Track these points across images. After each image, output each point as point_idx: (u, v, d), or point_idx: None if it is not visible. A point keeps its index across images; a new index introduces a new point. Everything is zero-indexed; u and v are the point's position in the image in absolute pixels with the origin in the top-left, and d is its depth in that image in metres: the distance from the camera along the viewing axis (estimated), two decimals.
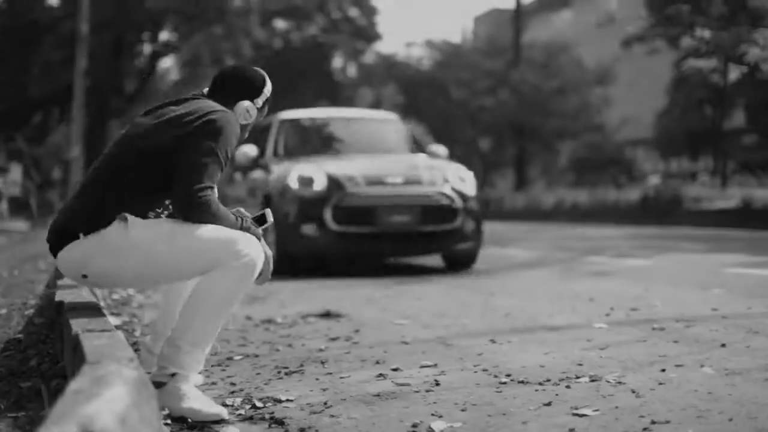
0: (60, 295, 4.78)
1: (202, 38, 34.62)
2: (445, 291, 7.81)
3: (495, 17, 61.82)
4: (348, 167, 9.88)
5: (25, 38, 32.36)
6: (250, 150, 10.73)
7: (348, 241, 9.52)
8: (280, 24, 55.91)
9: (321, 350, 4.95)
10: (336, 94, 52.98)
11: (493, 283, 8.41)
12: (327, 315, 6.27)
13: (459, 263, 10.25)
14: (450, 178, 9.89)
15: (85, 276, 3.59)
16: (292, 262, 9.68)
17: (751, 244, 12.62)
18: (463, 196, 9.84)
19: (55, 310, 4.65)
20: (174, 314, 3.83)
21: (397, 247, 9.89)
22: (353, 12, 57.35)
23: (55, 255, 3.66)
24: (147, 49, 36.70)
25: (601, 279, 8.38)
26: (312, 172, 9.67)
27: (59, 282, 5.68)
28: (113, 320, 5.46)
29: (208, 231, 3.49)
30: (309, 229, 9.47)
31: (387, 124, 12.16)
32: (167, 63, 39.47)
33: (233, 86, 3.85)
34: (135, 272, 3.57)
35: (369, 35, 57.03)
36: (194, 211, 3.48)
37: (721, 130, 32.89)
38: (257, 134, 11.56)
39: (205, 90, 3.89)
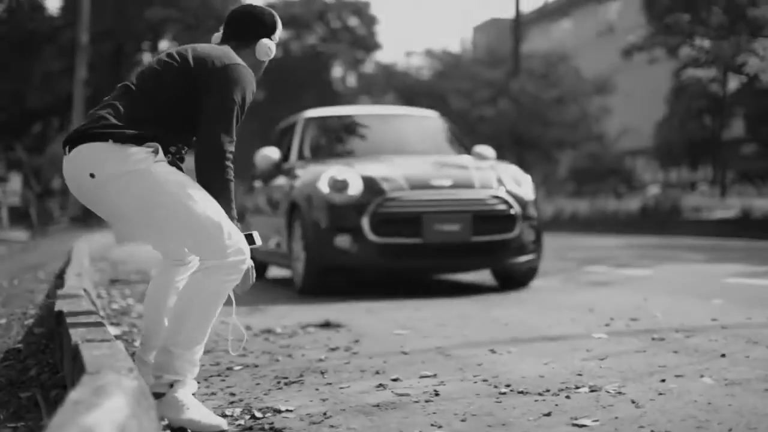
0: (60, 305, 4.78)
1: None
2: (445, 301, 7.81)
3: (494, 27, 61.91)
4: (387, 169, 8.57)
5: (26, 48, 32.42)
6: (271, 153, 9.72)
7: (389, 255, 8.20)
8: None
9: (321, 360, 4.95)
10: (336, 103, 53.01)
11: (493, 293, 8.41)
12: (327, 325, 6.27)
13: (514, 280, 8.84)
14: (505, 180, 8.59)
15: (92, 175, 3.48)
16: (324, 279, 8.52)
17: (751, 254, 12.62)
18: (521, 201, 8.50)
19: (55, 320, 4.65)
20: (158, 321, 3.82)
21: (446, 262, 8.60)
22: (353, 21, 57.55)
23: (69, 151, 3.58)
24: (147, 58, 36.74)
25: (601, 289, 8.38)
26: (346, 175, 8.38)
27: (59, 292, 5.68)
28: (113, 330, 5.45)
29: (215, 209, 3.50)
30: (343, 240, 8.20)
31: (426, 121, 10.75)
32: None
33: (250, 26, 3.92)
34: (135, 200, 3.49)
35: (369, 45, 57.20)
36: (212, 160, 3.53)
37: (721, 140, 32.94)
38: (279, 136, 10.83)
39: (218, 34, 3.96)
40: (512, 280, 8.84)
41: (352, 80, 57.97)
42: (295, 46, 55.24)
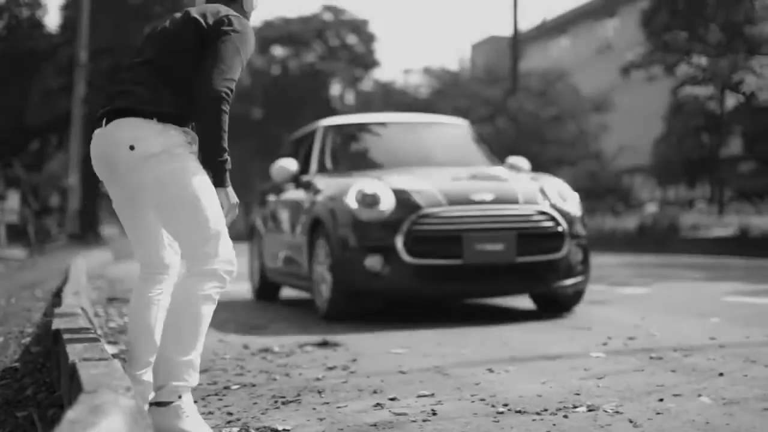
0: (57, 324, 4.78)
1: None
2: (442, 319, 7.80)
3: (493, 45, 61.98)
4: (421, 182, 7.82)
5: (24, 65, 32.48)
6: (288, 165, 9.03)
7: (426, 278, 7.42)
8: (278, 51, 56.14)
9: (318, 379, 4.95)
10: None
11: (491, 311, 8.40)
12: (324, 344, 6.26)
13: (558, 305, 8.07)
14: (549, 194, 7.84)
15: (132, 147, 3.59)
16: (353, 303, 7.79)
17: (749, 272, 12.62)
18: (568, 218, 7.73)
19: (52, 338, 4.65)
20: (146, 337, 3.87)
21: (488, 286, 7.75)
22: (351, 39, 57.61)
23: (106, 123, 3.72)
24: None
25: (599, 307, 8.37)
26: (376, 189, 7.63)
27: (56, 310, 5.68)
28: (110, 349, 5.44)
29: (221, 219, 3.63)
30: (374, 261, 7.43)
31: (455, 129, 9.89)
32: None
33: None
34: (162, 181, 3.58)
35: (367, 62, 57.25)
36: (212, 97, 3.57)
37: (718, 158, 32.98)
38: (294, 146, 10.17)
39: None
40: (555, 304, 8.07)
41: (350, 98, 58.00)
42: (294, 64, 55.30)
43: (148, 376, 3.82)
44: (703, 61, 23.78)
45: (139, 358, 3.85)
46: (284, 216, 9.30)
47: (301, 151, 9.72)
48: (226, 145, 3.62)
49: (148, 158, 3.58)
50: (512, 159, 9.22)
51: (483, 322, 7.49)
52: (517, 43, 36.50)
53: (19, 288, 10.31)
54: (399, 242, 7.39)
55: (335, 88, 58.17)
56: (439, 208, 7.45)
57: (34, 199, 31.89)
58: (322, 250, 7.91)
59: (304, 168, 9.22)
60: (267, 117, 51.50)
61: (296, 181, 9.07)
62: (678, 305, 8.34)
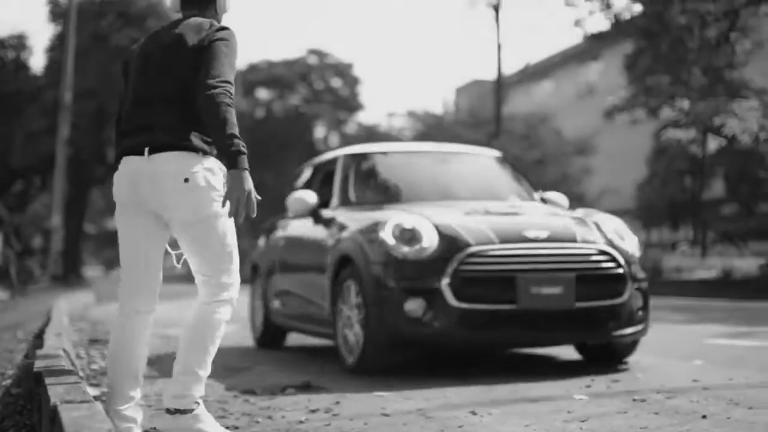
0: (38, 365, 4.75)
1: None
2: (426, 361, 7.78)
3: (476, 88, 62.32)
4: (466, 217, 7.01)
5: (9, 107, 32.50)
6: (307, 197, 8.11)
7: (474, 325, 6.50)
8: (262, 94, 56.29)
9: (301, 422, 4.93)
10: None
11: (475, 353, 8.38)
12: (307, 387, 6.23)
13: (612, 355, 7.25)
14: (607, 232, 7.05)
15: (186, 180, 3.91)
16: (389, 354, 6.86)
17: (732, 314, 12.64)
18: (628, 259, 6.91)
19: (34, 380, 4.62)
20: (129, 370, 4.08)
21: (544, 333, 6.77)
22: (336, 82, 57.82)
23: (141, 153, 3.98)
24: None
25: (582, 349, 8.36)
26: (416, 223, 6.76)
27: (38, 352, 5.65)
28: (92, 391, 5.41)
29: (236, 252, 4.10)
30: (416, 305, 6.50)
31: (488, 161, 9.01)
32: None
33: None
34: (202, 210, 3.95)
35: (351, 105, 57.45)
36: (215, 99, 3.82)
37: (701, 200, 33.13)
38: (309, 177, 9.30)
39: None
40: (608, 355, 7.27)
41: (334, 140, 58.14)
42: (278, 107, 55.45)
43: (131, 411, 4.00)
44: (685, 104, 23.97)
45: (123, 393, 4.03)
46: (298, 253, 8.53)
47: (315, 181, 9.01)
48: (236, 132, 3.82)
49: (196, 191, 3.92)
50: (549, 194, 8.61)
51: (465, 363, 7.47)
52: (501, 86, 36.70)
53: (0, 329, 10.25)
54: (444, 284, 6.46)
55: (319, 131, 58.29)
56: (490, 246, 6.56)
57: (16, 240, 31.77)
58: (350, 293, 7.02)
59: (324, 201, 8.30)
60: (251, 159, 51.31)
61: (315, 215, 8.16)
62: (661, 347, 8.34)
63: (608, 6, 21.77)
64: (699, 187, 32.39)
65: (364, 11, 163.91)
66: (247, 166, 3.83)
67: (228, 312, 4.10)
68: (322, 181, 8.88)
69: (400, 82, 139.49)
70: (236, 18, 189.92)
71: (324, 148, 55.18)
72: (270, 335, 9.45)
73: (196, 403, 4.01)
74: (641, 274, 7.05)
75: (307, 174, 9.48)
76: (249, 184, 3.82)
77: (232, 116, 3.82)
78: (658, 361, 7.26)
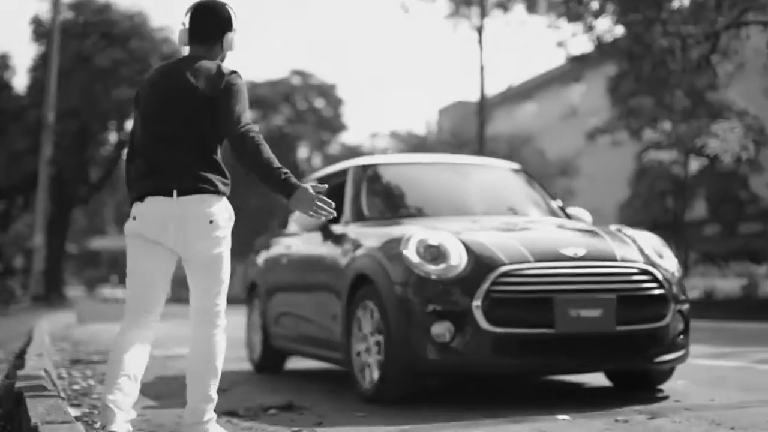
0: (19, 386, 4.73)
1: None
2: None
3: (459, 109, 62.46)
4: (496, 232, 6.50)
5: None
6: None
7: (508, 351, 5.88)
8: (246, 115, 56.24)
9: None
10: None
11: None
12: (289, 407, 6.21)
13: (648, 382, 6.79)
14: (646, 250, 6.50)
15: (211, 222, 4.33)
16: (413, 382, 6.28)
17: (714, 335, 12.67)
18: (669, 279, 6.34)
19: (15, 400, 4.60)
20: (129, 366, 4.33)
21: (583, 360, 6.13)
22: (319, 103, 57.95)
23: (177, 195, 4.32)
24: (113, 137, 36.78)
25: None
26: (441, 239, 6.18)
27: (19, 372, 5.62)
28: (73, 411, 5.38)
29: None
30: (443, 329, 5.89)
31: (509, 174, 8.41)
32: None
33: (215, 24, 4.52)
34: (216, 247, 4.39)
35: (334, 126, 57.57)
36: (249, 143, 4.23)
37: (683, 221, 33.26)
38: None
39: (183, 33, 4.55)
40: (644, 382, 6.79)
41: (317, 161, 58.20)
42: (261, 127, 55.48)
43: (119, 401, 4.23)
44: (667, 126, 24.09)
45: (123, 387, 4.29)
46: (304, 272, 7.94)
47: (331, 195, 8.03)
48: (276, 161, 4.25)
49: (216, 231, 4.35)
50: (572, 209, 8.04)
51: (449, 384, 7.46)
52: (484, 107, 36.82)
53: None
54: (475, 306, 5.85)
55: (303, 151, 58.38)
56: (525, 265, 5.97)
57: None
58: (367, 315, 6.46)
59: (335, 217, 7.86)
60: (234, 180, 51.47)
61: (324, 230, 7.56)
62: None
63: (591, 28, 21.87)
64: (681, 208, 32.55)
65: (348, 32, 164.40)
66: (299, 184, 4.22)
67: (222, 332, 4.49)
68: (327, 195, 8.16)
69: (383, 103, 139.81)
70: None
71: (307, 169, 55.25)
72: (270, 359, 8.99)
73: (212, 421, 4.49)
74: (683, 296, 6.46)
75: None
76: (310, 194, 4.20)
77: (267, 147, 4.24)
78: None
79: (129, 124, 35.63)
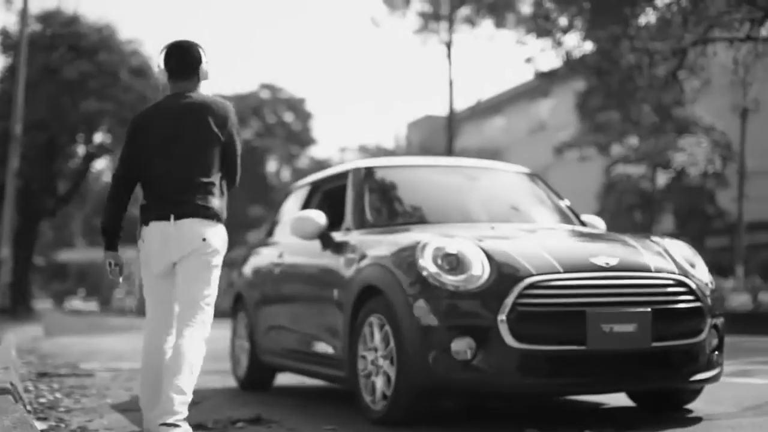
0: None
1: None
2: None
3: (428, 124, 62.58)
4: (519, 240, 6.02)
5: None
6: (316, 217, 6.96)
7: (537, 369, 5.36)
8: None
9: None
10: (270, 198, 53.12)
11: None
12: (258, 420, 6.19)
13: (675, 403, 6.35)
14: (678, 260, 6.01)
15: (204, 239, 4.98)
16: (427, 403, 5.79)
17: None
18: (703, 291, 5.87)
19: None
20: (157, 374, 5.02)
21: (616, 379, 5.59)
22: (288, 117, 57.94)
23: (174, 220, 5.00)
24: (81, 150, 36.59)
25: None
26: (461, 247, 5.64)
27: None
28: (39, 425, 5.36)
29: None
30: (464, 345, 5.37)
31: (522, 179, 7.97)
32: (101, 164, 39.31)
33: (192, 59, 5.17)
34: (209, 269, 5.05)
35: (303, 140, 57.59)
36: (235, 187, 5.35)
37: (651, 235, 33.46)
38: (307, 195, 8.22)
39: (164, 79, 5.24)
40: (671, 402, 6.33)
41: (286, 174, 58.19)
42: None
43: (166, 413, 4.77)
44: (635, 141, 24.25)
45: (154, 400, 5.00)
46: (300, 283, 7.44)
47: (314, 202, 8.01)
48: None
49: (212, 251, 5.01)
50: (586, 217, 7.68)
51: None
52: (453, 122, 36.94)
53: None
54: (500, 320, 5.32)
55: (271, 165, 58.34)
56: (554, 276, 5.45)
57: None
58: (375, 330, 5.96)
59: (334, 223, 7.18)
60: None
61: (324, 238, 7.02)
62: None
63: (559, 44, 22.03)
64: (649, 222, 32.73)
65: (318, 46, 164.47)
66: None
67: (204, 344, 4.95)
68: (322, 201, 7.93)
69: (352, 117, 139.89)
70: None
71: (276, 183, 55.20)
72: (257, 375, 8.47)
73: (184, 421, 4.74)
74: (717, 309, 6.00)
75: (301, 194, 8.38)
76: None
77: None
78: (612, 396, 7.25)
79: (97, 137, 35.49)
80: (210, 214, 5.00)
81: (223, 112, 5.08)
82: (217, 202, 5.05)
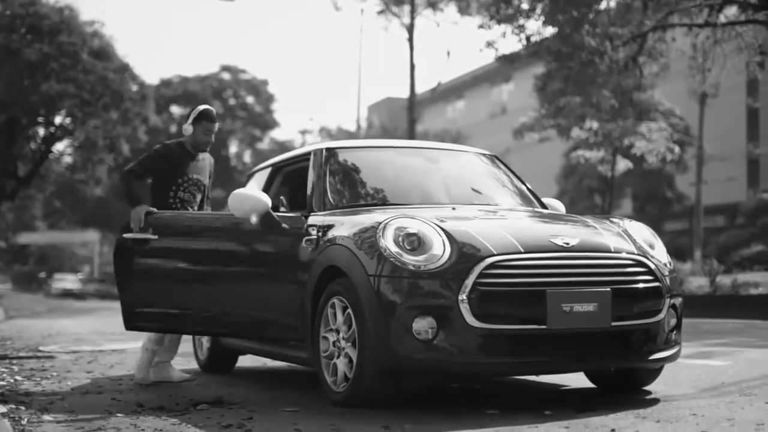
0: None
1: (98, 123, 34.30)
2: None
3: (389, 106, 62.63)
4: (479, 221, 6.07)
5: None
6: (259, 196, 6.62)
7: (497, 349, 5.39)
8: (176, 110, 55.95)
9: None
10: (232, 180, 52.97)
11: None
12: (219, 402, 6.21)
13: (632, 383, 6.39)
14: (637, 241, 6.06)
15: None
16: (389, 384, 5.72)
17: None
18: (662, 271, 5.91)
19: None
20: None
21: (576, 358, 5.66)
22: (250, 99, 57.73)
23: None
24: (41, 131, 36.31)
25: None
26: (422, 228, 5.65)
27: None
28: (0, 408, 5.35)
29: None
30: (426, 325, 5.38)
31: (483, 161, 7.89)
32: (61, 146, 39.03)
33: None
34: None
35: (265, 122, 57.41)
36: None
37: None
38: (269, 176, 8.02)
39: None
40: (630, 382, 6.37)
41: (248, 157, 58.02)
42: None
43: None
44: (595, 125, 24.39)
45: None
46: (254, 265, 6.89)
47: (276, 184, 7.91)
48: None
49: None
50: (546, 200, 7.67)
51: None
52: (414, 104, 36.95)
53: None
54: (461, 300, 5.33)
55: (233, 147, 58.15)
56: (515, 255, 5.48)
57: None
58: (338, 311, 5.91)
59: (292, 202, 7.25)
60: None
61: (280, 219, 6.67)
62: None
63: (521, 28, 22.08)
64: (608, 206, 32.95)
65: (280, 29, 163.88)
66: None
67: None
68: (283, 183, 7.91)
69: (313, 99, 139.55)
70: (149, 31, 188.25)
71: (238, 164, 55.02)
72: (219, 359, 8.43)
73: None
74: (676, 289, 6.02)
75: (263, 176, 8.19)
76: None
77: None
78: (572, 378, 7.32)
79: (58, 119, 35.19)
80: None
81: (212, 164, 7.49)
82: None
